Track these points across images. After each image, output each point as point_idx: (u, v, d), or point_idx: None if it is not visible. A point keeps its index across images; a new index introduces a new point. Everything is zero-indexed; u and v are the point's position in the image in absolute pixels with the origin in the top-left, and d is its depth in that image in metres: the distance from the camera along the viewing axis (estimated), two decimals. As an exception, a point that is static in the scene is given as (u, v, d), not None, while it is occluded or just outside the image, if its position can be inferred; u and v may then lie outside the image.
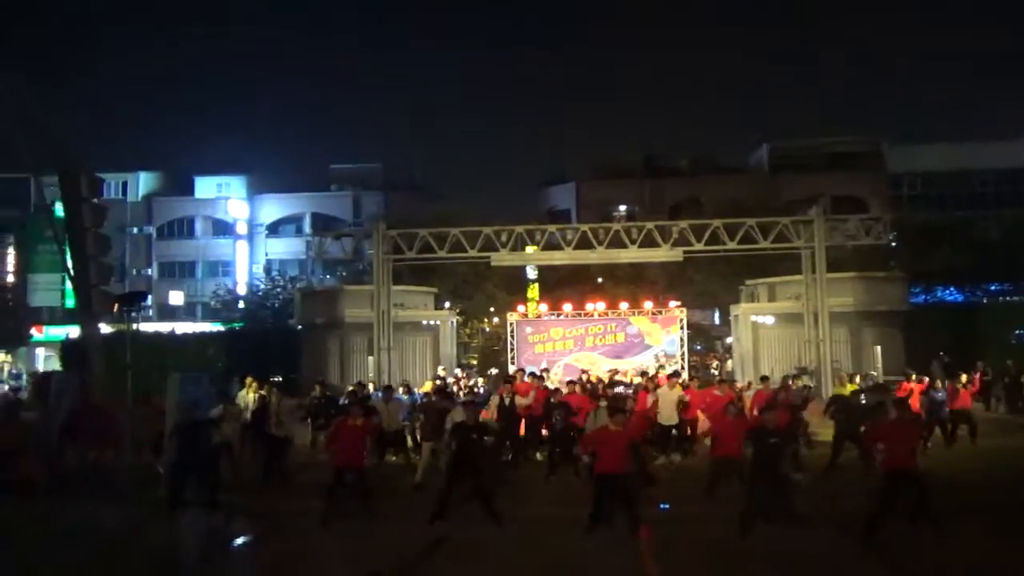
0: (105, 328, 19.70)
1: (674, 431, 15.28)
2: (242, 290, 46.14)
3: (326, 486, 10.75)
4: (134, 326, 17.39)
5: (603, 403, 12.99)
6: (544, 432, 15.10)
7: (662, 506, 10.87)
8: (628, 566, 8.66)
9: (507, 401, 15.17)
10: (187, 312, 47.24)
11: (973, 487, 12.19)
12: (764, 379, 16.65)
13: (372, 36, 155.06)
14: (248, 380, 17.06)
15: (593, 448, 10.00)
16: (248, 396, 16.49)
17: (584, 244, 23.81)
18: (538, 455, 15.23)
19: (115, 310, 17.14)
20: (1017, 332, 27.10)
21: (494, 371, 26.76)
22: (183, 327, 37.95)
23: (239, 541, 10.25)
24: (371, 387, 17.98)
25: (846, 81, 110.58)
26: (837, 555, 8.87)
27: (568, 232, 24.70)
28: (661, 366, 22.71)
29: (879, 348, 24.00)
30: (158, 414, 13.28)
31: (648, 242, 23.30)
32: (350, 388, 17.92)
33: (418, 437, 14.85)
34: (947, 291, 33.38)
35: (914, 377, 17.36)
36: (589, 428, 12.52)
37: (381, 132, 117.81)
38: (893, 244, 28.06)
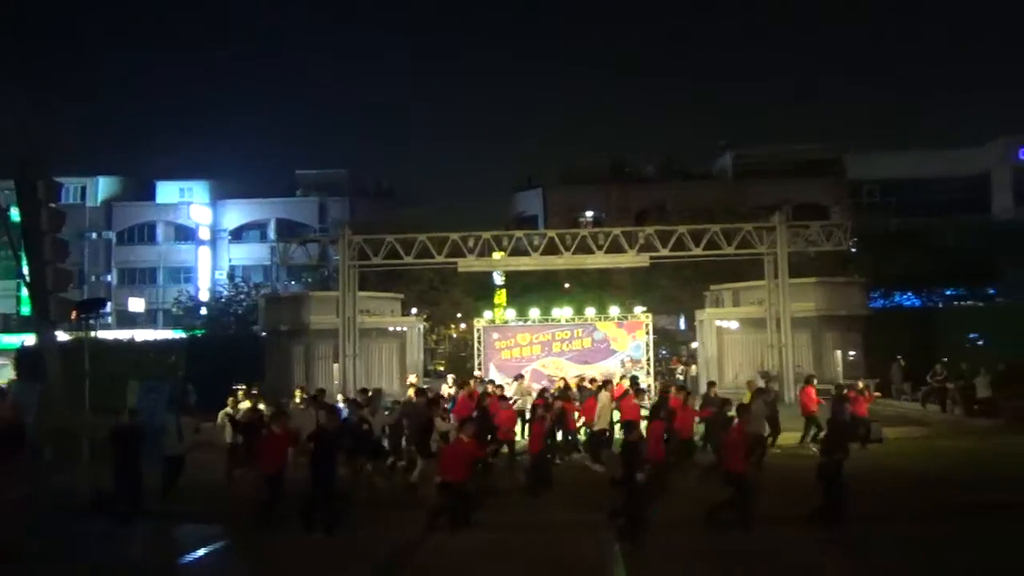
0: (62, 336, 19.24)
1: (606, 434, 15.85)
2: (204, 296, 45.42)
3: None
4: (92, 333, 16.96)
5: None
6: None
7: None
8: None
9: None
10: (148, 319, 46.50)
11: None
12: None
13: (341, 42, 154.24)
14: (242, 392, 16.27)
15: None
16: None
17: (551, 250, 23.88)
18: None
19: (73, 317, 16.76)
20: (971, 336, 27.69)
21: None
22: (143, 334, 37.23)
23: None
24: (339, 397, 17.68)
25: (810, 90, 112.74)
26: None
27: (535, 238, 24.77)
28: (623, 375, 22.70)
29: (839, 352, 24.41)
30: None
31: (615, 248, 23.46)
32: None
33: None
34: (905, 296, 34.07)
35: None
36: None
37: (347, 138, 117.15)
38: (853, 250, 28.58)
